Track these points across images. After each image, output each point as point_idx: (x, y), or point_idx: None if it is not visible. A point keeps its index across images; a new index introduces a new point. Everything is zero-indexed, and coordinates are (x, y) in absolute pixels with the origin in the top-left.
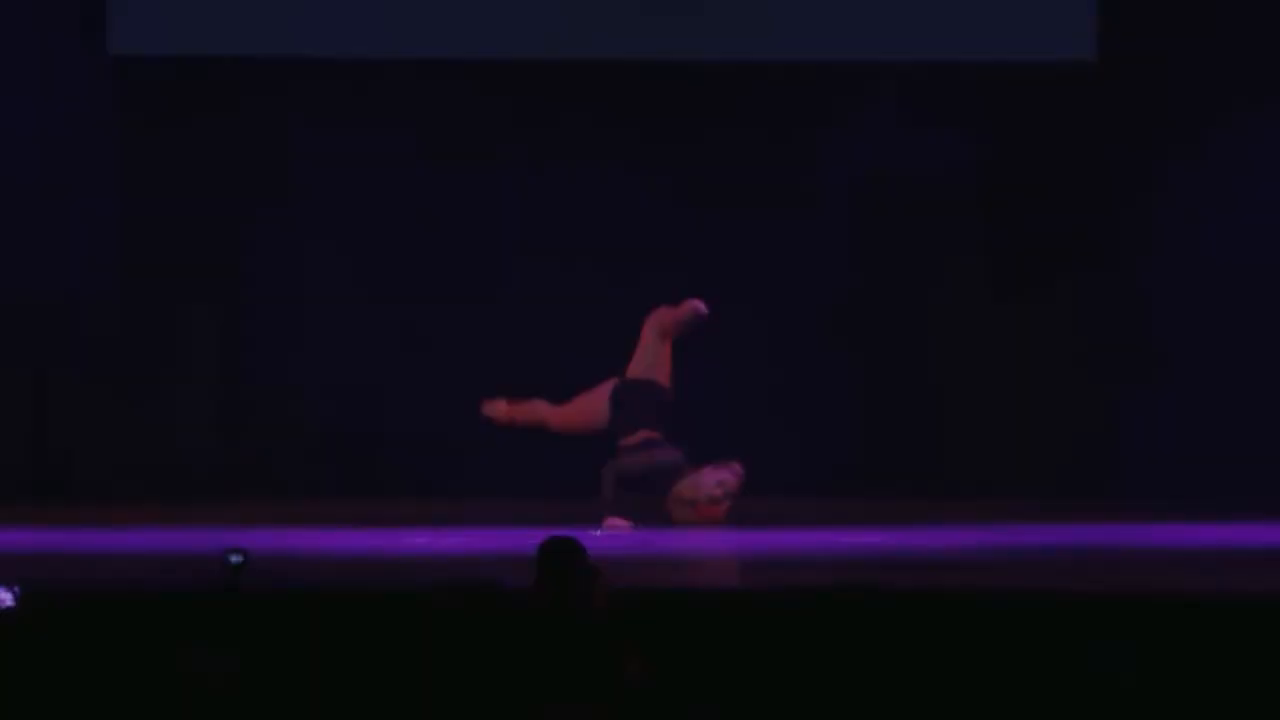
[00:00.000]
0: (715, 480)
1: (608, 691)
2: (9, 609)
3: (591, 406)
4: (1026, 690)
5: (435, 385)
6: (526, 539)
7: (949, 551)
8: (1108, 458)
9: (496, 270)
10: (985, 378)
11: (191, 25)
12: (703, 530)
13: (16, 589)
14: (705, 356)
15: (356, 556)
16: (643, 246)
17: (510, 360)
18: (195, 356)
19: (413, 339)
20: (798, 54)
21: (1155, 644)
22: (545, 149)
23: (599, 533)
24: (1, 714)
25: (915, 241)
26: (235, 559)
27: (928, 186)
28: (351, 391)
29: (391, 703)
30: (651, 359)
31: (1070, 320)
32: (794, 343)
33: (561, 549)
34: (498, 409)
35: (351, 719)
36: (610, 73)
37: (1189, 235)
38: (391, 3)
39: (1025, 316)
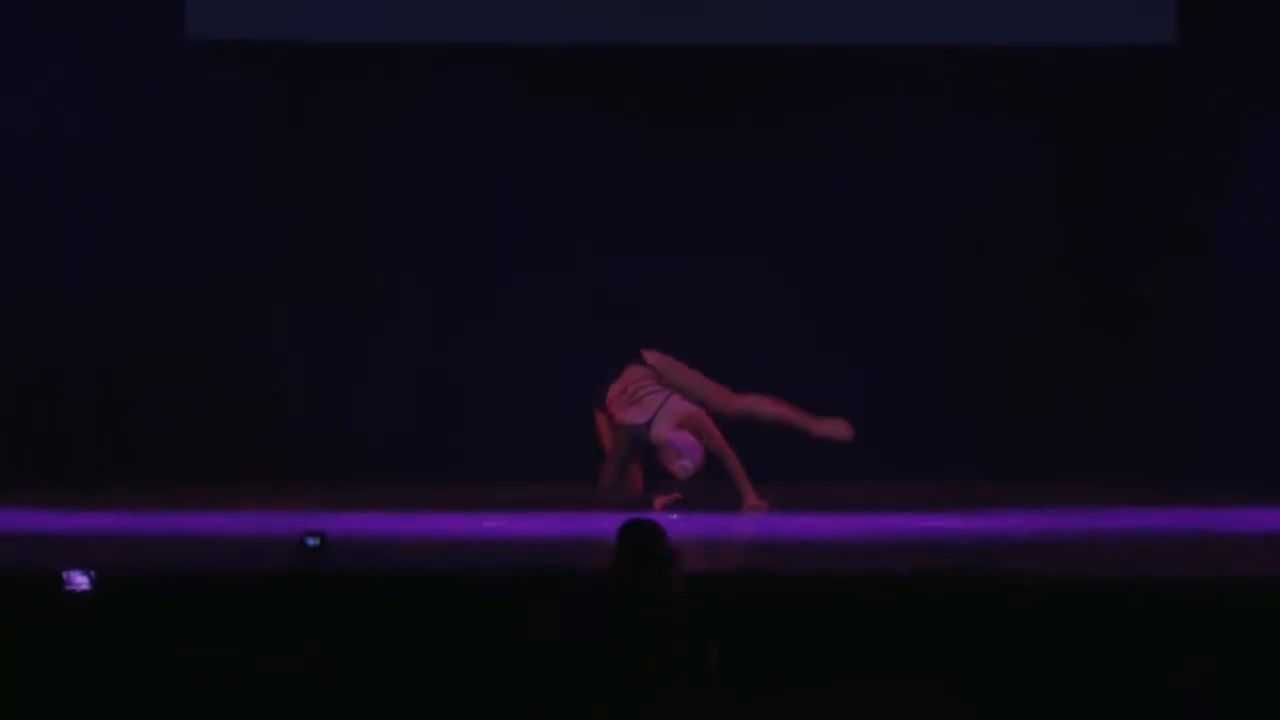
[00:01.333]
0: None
1: (690, 676)
2: (86, 592)
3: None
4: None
5: (489, 372)
6: (595, 524)
7: (1007, 535)
8: (1167, 445)
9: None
10: (1039, 366)
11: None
12: (775, 515)
13: (93, 573)
14: (746, 348)
15: (428, 540)
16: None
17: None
18: (260, 343)
19: (471, 327)
20: (852, 38)
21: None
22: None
23: (675, 516)
24: (79, 694)
25: (968, 234)
26: (312, 542)
27: (984, 175)
28: (414, 380)
29: (472, 683)
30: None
31: (1133, 308)
32: (830, 333)
33: (642, 531)
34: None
35: (434, 700)
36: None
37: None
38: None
39: (1086, 306)
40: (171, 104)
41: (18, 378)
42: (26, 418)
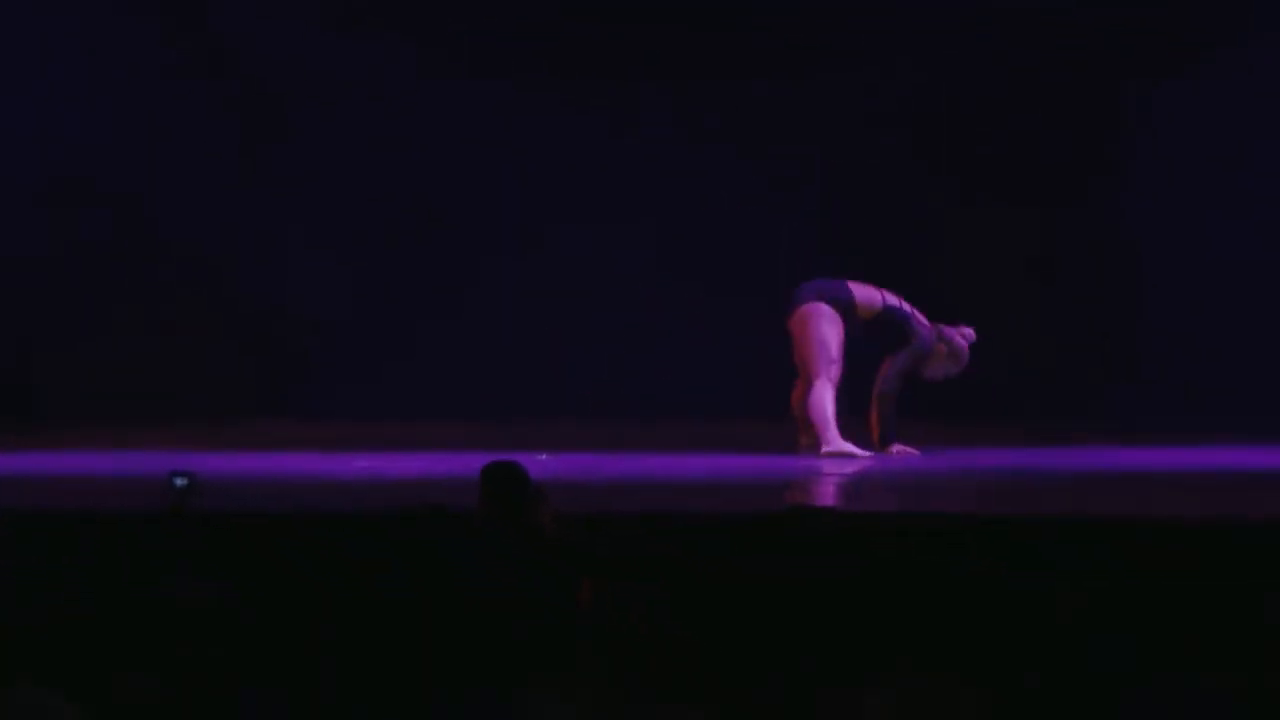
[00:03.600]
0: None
1: (566, 616)
2: None
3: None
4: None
5: (381, 306)
6: (473, 463)
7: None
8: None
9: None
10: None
11: None
12: (652, 455)
13: None
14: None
15: (300, 480)
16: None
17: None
18: (130, 281)
19: (357, 263)
20: None
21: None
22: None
23: (544, 457)
24: None
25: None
26: (180, 482)
27: (902, 117)
28: (297, 314)
29: (344, 625)
30: None
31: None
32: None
33: (504, 473)
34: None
35: (301, 643)
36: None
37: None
38: None
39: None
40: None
41: None
42: None
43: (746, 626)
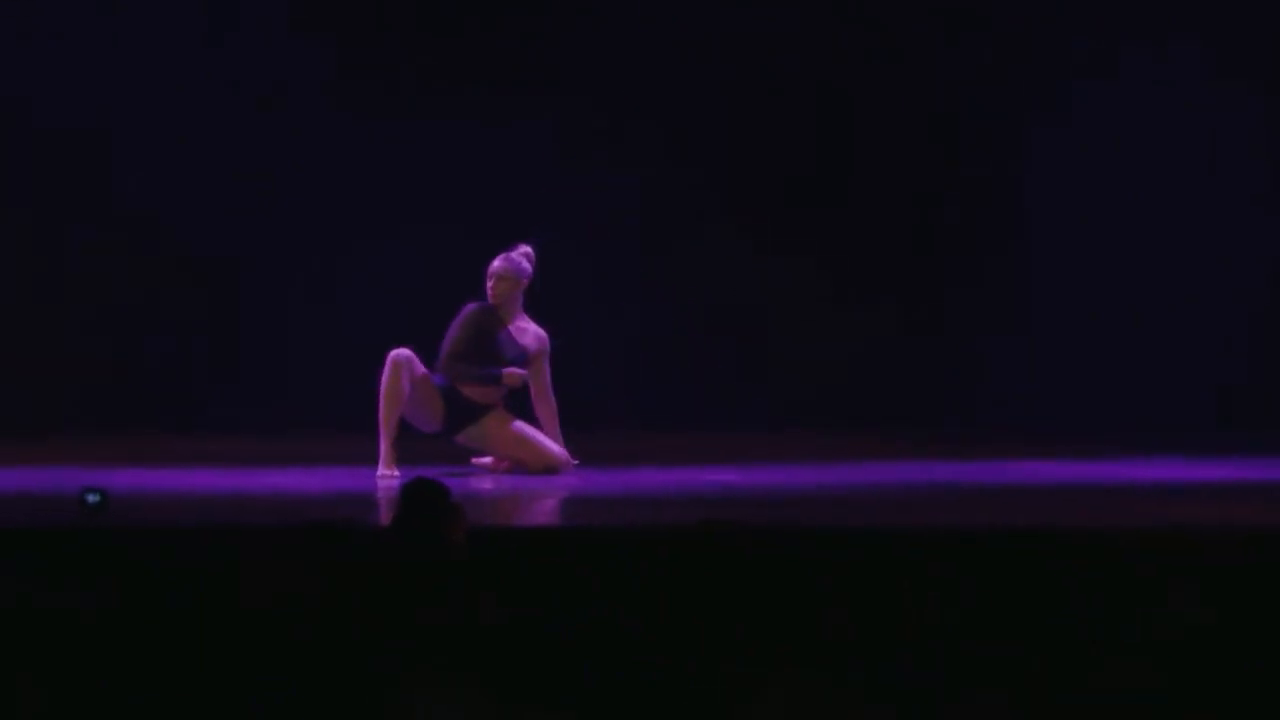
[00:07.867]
0: None
1: (470, 630)
2: None
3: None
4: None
5: (290, 320)
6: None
7: (797, 488)
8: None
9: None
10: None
11: None
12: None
13: None
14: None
15: (210, 495)
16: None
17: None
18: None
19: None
20: None
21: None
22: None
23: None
24: None
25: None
26: (93, 498)
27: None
28: (195, 327)
29: (253, 642)
30: None
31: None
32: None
33: (426, 489)
34: None
35: (213, 659)
36: None
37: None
38: None
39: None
40: None
41: None
42: None
43: (652, 637)
